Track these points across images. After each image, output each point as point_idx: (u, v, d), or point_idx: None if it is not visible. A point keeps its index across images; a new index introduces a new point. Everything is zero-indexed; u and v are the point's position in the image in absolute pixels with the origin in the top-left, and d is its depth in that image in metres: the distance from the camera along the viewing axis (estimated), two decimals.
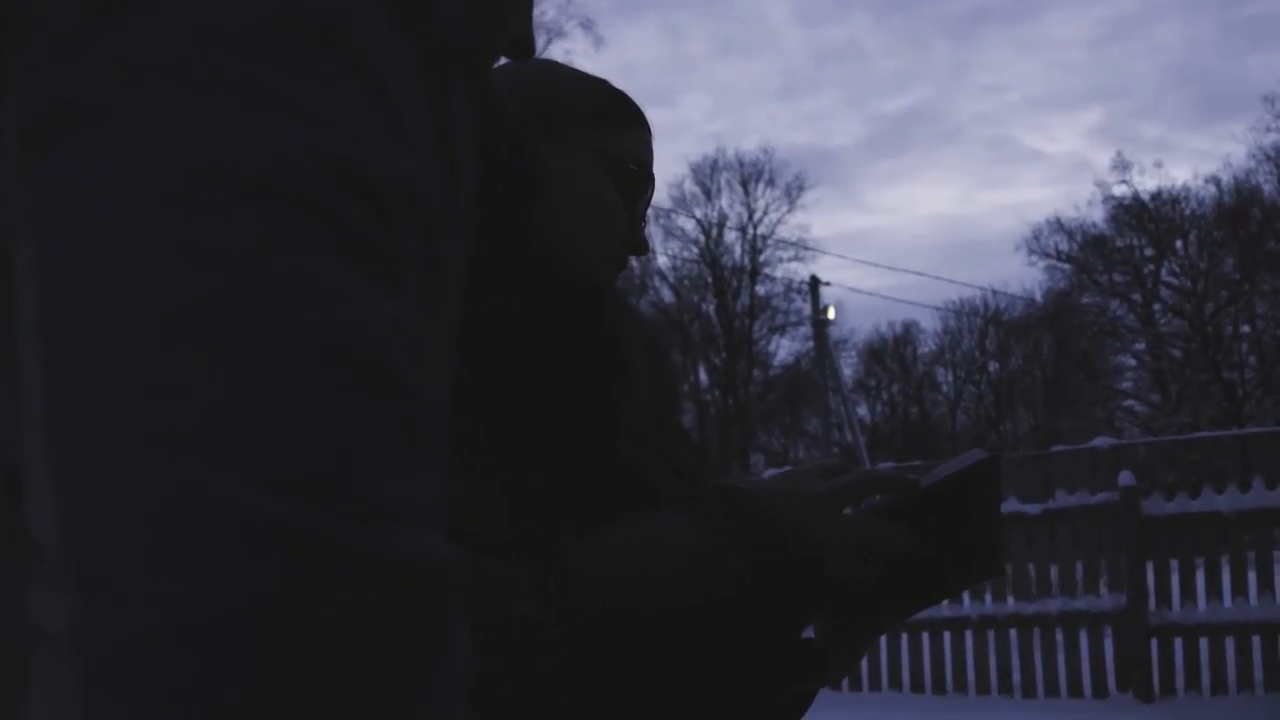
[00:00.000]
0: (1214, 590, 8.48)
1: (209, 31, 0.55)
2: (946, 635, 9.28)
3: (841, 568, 1.21)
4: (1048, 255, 41.19)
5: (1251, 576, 8.36)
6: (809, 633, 1.30)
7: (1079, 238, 40.91)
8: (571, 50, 34.08)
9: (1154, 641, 8.51)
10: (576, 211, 1.35)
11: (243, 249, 0.52)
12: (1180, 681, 8.47)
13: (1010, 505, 8.95)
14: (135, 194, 0.51)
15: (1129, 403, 40.70)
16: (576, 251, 1.33)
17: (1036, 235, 41.74)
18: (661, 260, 41.95)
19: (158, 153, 0.52)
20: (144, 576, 0.48)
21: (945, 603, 9.18)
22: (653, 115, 1.48)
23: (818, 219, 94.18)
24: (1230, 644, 8.36)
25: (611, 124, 1.42)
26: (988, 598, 9.13)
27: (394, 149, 0.58)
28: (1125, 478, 8.66)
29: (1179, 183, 61.15)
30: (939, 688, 9.31)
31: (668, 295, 42.09)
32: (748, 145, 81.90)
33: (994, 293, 44.70)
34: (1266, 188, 37.49)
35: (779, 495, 1.23)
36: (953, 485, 1.28)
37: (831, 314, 31.36)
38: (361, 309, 0.54)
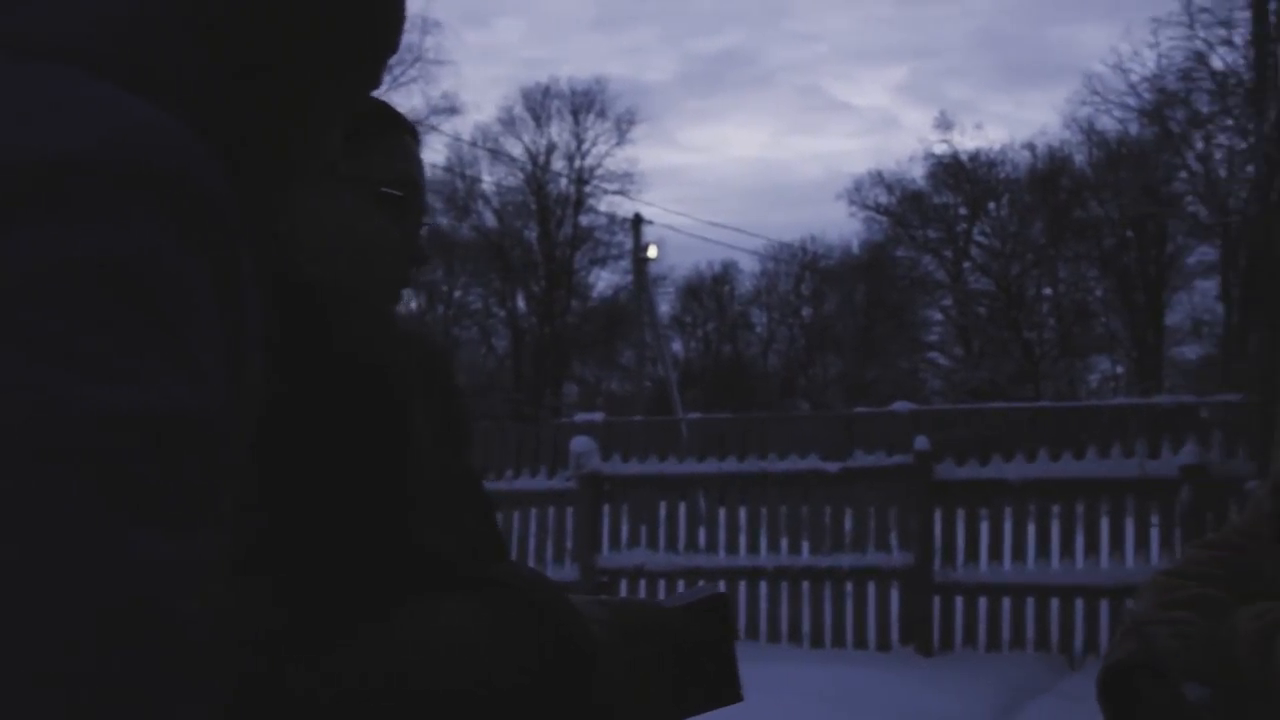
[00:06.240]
0: (995, 553, 8.92)
1: (6, 288, 0.58)
2: (742, 584, 9.54)
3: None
4: (867, 207, 42.11)
5: (1031, 542, 8.83)
6: None
7: (898, 192, 41.90)
8: None
9: (937, 598, 8.92)
10: (341, 253, 1.32)
11: (7, 513, 0.55)
12: (958, 637, 8.90)
13: (811, 462, 9.26)
14: None
15: (933, 354, 42.03)
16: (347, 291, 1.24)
17: (858, 187, 42.49)
18: (486, 183, 41.69)
19: None
20: None
21: (744, 553, 9.52)
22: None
23: (636, 152, 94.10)
24: (1007, 603, 8.82)
25: (370, 143, 1.38)
26: (784, 548, 9.43)
27: (178, 385, 0.61)
28: (920, 442, 9.01)
29: (996, 146, 62.76)
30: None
31: (490, 219, 41.88)
32: (563, 74, 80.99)
33: (812, 239, 45.43)
34: (1078, 158, 38.83)
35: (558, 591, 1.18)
36: (683, 615, 1.31)
37: (653, 253, 31.57)
38: (134, 556, 0.57)
